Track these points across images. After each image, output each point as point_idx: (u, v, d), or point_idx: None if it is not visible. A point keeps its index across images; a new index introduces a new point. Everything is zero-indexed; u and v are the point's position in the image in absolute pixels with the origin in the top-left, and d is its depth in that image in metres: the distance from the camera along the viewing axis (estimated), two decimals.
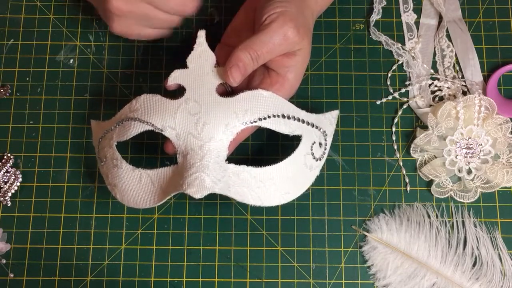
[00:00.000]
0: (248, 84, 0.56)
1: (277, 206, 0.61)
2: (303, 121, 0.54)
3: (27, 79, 0.65)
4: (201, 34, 0.54)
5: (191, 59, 0.54)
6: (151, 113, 0.52)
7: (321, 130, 0.55)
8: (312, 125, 0.54)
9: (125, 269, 0.60)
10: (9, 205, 0.62)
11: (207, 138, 0.51)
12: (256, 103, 0.52)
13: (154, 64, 0.66)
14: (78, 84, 0.65)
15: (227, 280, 0.60)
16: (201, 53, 0.54)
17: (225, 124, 0.51)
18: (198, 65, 0.53)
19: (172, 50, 0.66)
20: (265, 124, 0.52)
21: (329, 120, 0.57)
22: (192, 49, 0.54)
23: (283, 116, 0.52)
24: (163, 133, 0.52)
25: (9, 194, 0.61)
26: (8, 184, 0.61)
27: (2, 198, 0.61)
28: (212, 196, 0.61)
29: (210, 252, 0.61)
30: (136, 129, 0.52)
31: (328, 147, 0.57)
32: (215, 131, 0.51)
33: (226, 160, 0.52)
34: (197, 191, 0.49)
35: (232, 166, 0.51)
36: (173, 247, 0.61)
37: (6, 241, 0.61)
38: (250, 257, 0.60)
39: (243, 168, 0.51)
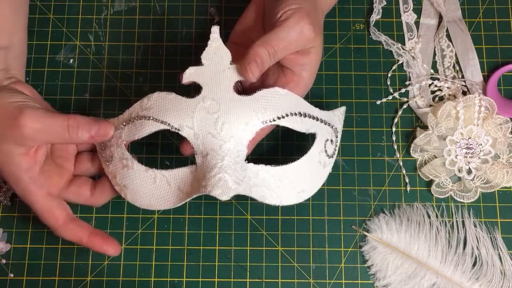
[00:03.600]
0: (263, 83, 0.56)
1: (277, 206, 0.61)
2: (317, 119, 0.53)
3: (27, 79, 0.65)
4: (215, 30, 0.52)
5: (206, 56, 0.52)
6: (167, 112, 0.51)
7: (333, 127, 0.55)
8: (325, 123, 0.54)
9: (125, 269, 0.60)
10: (9, 205, 0.62)
11: (227, 138, 0.50)
12: (274, 102, 0.51)
13: (154, 64, 0.66)
14: (78, 84, 0.65)
15: (227, 280, 0.60)
16: (216, 50, 0.52)
17: (245, 123, 0.50)
18: (214, 62, 0.52)
19: (172, 50, 0.66)
20: (283, 122, 0.51)
21: (338, 117, 0.57)
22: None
23: (300, 114, 0.52)
24: (180, 132, 0.50)
25: (9, 194, 0.61)
26: (8, 184, 0.61)
27: (2, 198, 0.61)
28: (212, 196, 0.61)
29: (210, 252, 0.61)
30: (150, 128, 0.51)
31: (338, 143, 0.57)
32: (235, 130, 0.50)
33: (245, 160, 0.51)
34: (223, 193, 0.48)
35: (251, 165, 0.51)
36: (173, 247, 0.61)
37: (6, 241, 0.61)
38: (250, 257, 0.60)
39: (261, 167, 0.51)
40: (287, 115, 0.51)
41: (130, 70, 0.66)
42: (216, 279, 0.60)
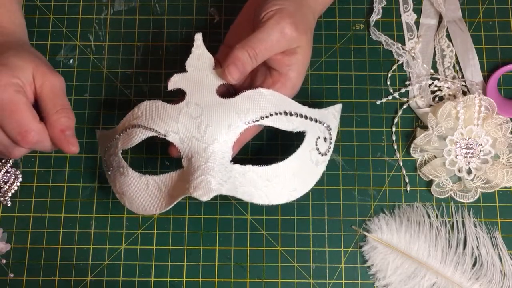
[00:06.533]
0: (251, 85, 0.56)
1: (277, 206, 0.61)
2: (305, 117, 0.53)
3: None
4: (198, 37, 0.54)
5: (189, 63, 0.53)
6: (154, 119, 0.52)
7: (325, 124, 0.55)
8: (316, 121, 0.54)
9: (125, 269, 0.60)
10: (9, 205, 0.62)
11: (211, 140, 0.51)
12: (257, 102, 0.52)
13: (154, 64, 0.66)
14: (78, 84, 0.65)
15: (227, 280, 0.60)
16: (199, 56, 0.53)
17: (228, 125, 0.51)
18: (197, 68, 0.53)
19: (172, 50, 0.66)
20: (267, 122, 0.51)
21: (332, 114, 0.57)
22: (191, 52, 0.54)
23: (285, 113, 0.52)
24: (166, 138, 0.52)
25: (9, 194, 0.61)
26: (8, 184, 0.61)
27: (2, 198, 0.61)
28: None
29: (210, 252, 0.61)
30: (140, 136, 0.52)
31: (333, 141, 0.57)
32: (218, 132, 0.51)
33: (231, 161, 0.52)
34: (204, 194, 0.49)
35: (237, 166, 0.51)
36: (173, 247, 0.61)
37: (6, 241, 0.61)
38: (250, 257, 0.60)
39: (248, 168, 0.51)
40: (271, 115, 0.52)
41: (130, 70, 0.66)
42: (216, 279, 0.60)
